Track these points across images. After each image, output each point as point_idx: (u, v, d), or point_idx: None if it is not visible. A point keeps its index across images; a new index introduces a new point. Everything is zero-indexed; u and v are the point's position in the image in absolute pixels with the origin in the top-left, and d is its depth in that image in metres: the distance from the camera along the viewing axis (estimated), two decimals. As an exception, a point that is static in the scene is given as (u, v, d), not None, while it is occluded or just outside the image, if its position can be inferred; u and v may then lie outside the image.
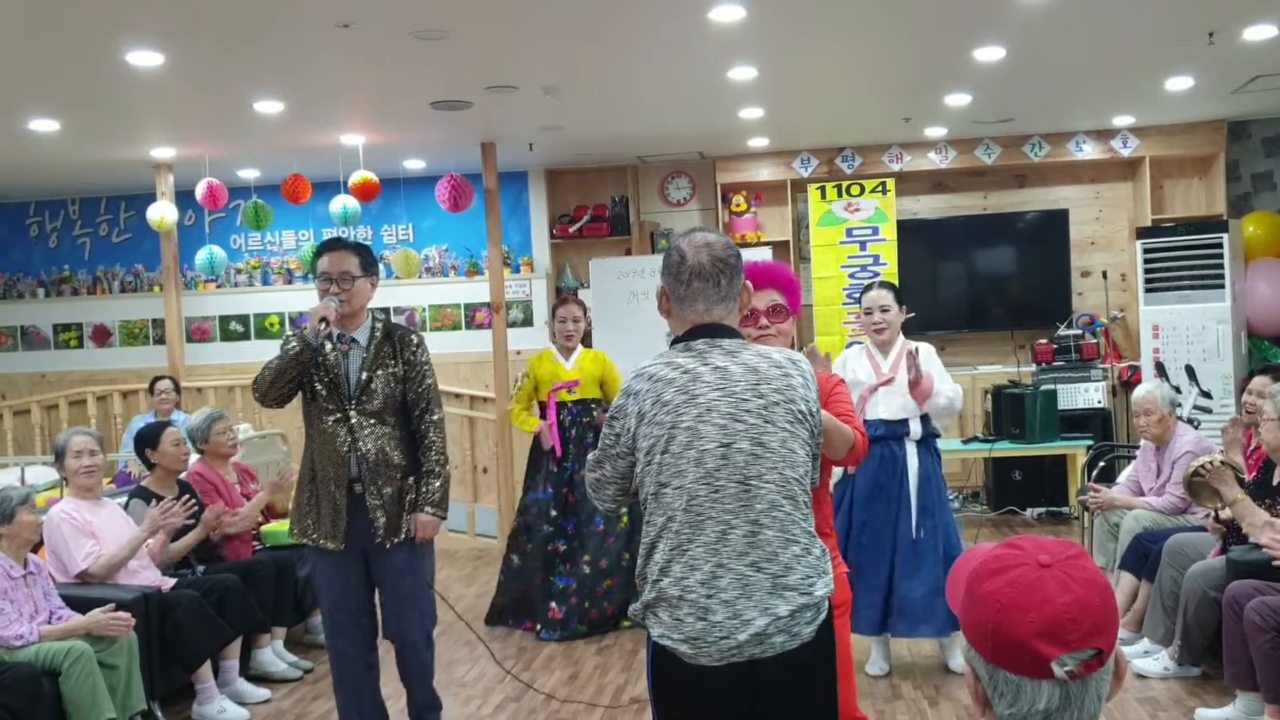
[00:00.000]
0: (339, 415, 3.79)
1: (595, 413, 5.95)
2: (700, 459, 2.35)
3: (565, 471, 5.90)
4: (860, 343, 5.07)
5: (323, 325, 3.70)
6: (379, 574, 3.89)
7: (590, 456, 2.59)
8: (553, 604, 5.83)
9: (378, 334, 3.87)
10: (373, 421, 3.80)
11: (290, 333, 3.83)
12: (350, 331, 3.85)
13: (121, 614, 4.25)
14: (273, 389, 3.75)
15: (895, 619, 4.81)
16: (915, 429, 4.86)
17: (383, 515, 3.80)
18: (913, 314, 5.10)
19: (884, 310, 4.91)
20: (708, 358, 2.41)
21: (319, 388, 3.81)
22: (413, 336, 3.94)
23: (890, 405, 4.84)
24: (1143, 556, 5.05)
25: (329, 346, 3.80)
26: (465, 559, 7.80)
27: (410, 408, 3.90)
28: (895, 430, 4.83)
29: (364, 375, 3.81)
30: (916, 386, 4.70)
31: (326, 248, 3.88)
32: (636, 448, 2.42)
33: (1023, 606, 1.33)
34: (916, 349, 4.82)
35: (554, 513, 5.91)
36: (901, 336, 4.98)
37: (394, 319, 4.02)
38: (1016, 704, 1.35)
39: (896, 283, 8.35)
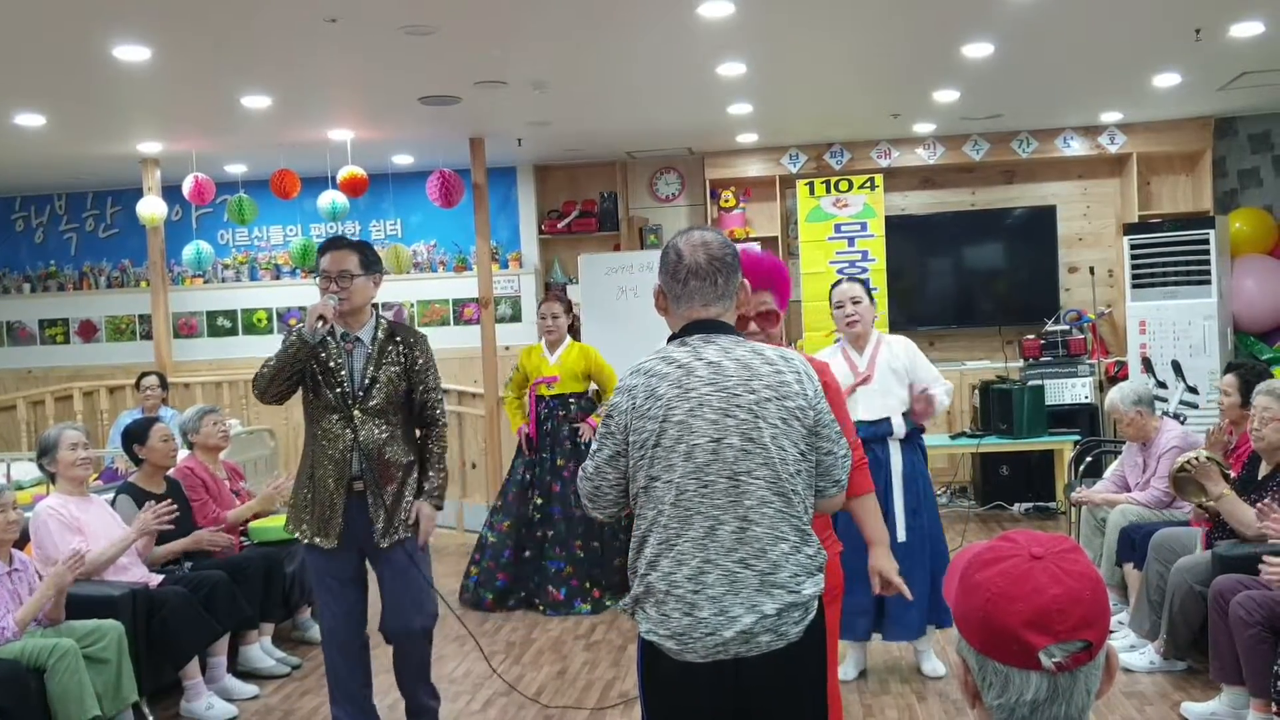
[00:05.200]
0: (341, 414, 3.81)
1: (572, 407, 6.18)
2: (690, 453, 2.34)
3: (545, 461, 6.18)
4: (840, 340, 4.86)
5: (320, 323, 3.71)
6: (378, 572, 3.92)
7: (584, 467, 2.55)
8: (550, 587, 6.10)
9: (381, 333, 3.89)
10: (375, 420, 3.82)
11: (289, 328, 3.84)
12: (354, 330, 3.87)
13: (75, 550, 4.21)
14: (272, 386, 3.79)
15: (888, 624, 4.67)
16: (899, 426, 4.66)
17: (383, 513, 3.82)
18: (877, 316, 4.83)
19: (855, 302, 4.70)
20: (702, 353, 2.40)
21: (322, 386, 3.82)
22: (416, 336, 3.97)
23: (870, 405, 4.63)
24: (1131, 546, 5.09)
25: (330, 344, 3.82)
26: (454, 554, 7.78)
27: (418, 407, 3.95)
28: (877, 430, 4.62)
29: (368, 374, 3.83)
30: (923, 416, 4.63)
31: (328, 246, 3.90)
32: (629, 441, 2.41)
33: (1012, 596, 1.34)
34: (881, 342, 4.74)
35: (539, 500, 6.18)
36: (876, 331, 4.80)
37: (382, 314, 4.01)
38: (1005, 694, 1.36)
39: (886, 278, 8.47)
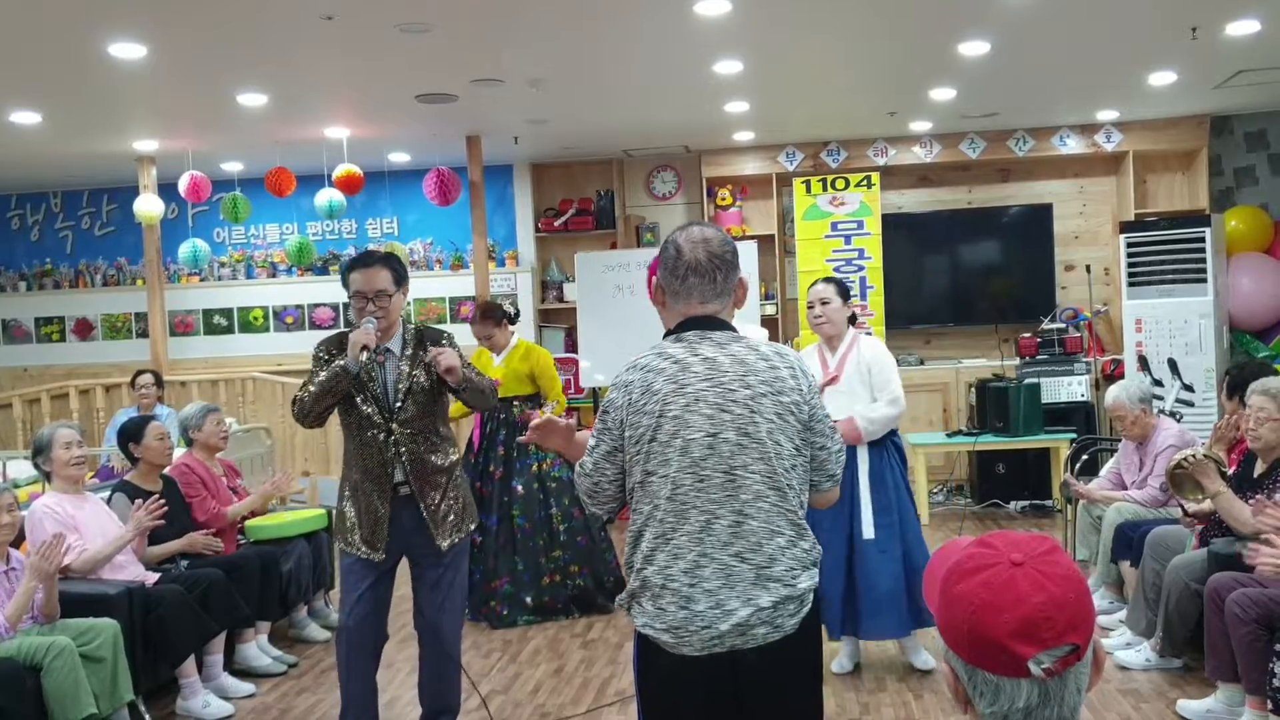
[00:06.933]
0: (379, 426, 3.79)
1: (516, 410, 6.05)
2: (686, 448, 2.35)
3: (479, 465, 6.10)
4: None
5: (364, 353, 3.69)
6: (422, 574, 3.94)
7: (581, 463, 2.55)
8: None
9: (410, 342, 3.89)
10: (413, 429, 3.81)
11: (320, 351, 3.82)
12: (384, 343, 3.85)
13: (53, 541, 4.17)
14: (313, 412, 3.77)
15: (861, 620, 4.70)
16: None
17: (428, 520, 3.85)
18: (852, 313, 4.81)
19: (824, 303, 4.73)
20: (698, 348, 2.41)
21: (357, 400, 3.80)
22: (440, 334, 3.96)
23: (835, 405, 4.51)
24: (1127, 544, 5.11)
25: (365, 358, 3.78)
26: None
27: None
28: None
29: (400, 386, 3.82)
30: (846, 439, 4.42)
31: (358, 263, 3.82)
32: (625, 436, 2.41)
33: (997, 607, 1.33)
34: (855, 344, 4.72)
35: None
36: (851, 331, 4.81)
37: (408, 323, 3.99)
38: (997, 703, 1.35)
39: (882, 277, 8.47)
